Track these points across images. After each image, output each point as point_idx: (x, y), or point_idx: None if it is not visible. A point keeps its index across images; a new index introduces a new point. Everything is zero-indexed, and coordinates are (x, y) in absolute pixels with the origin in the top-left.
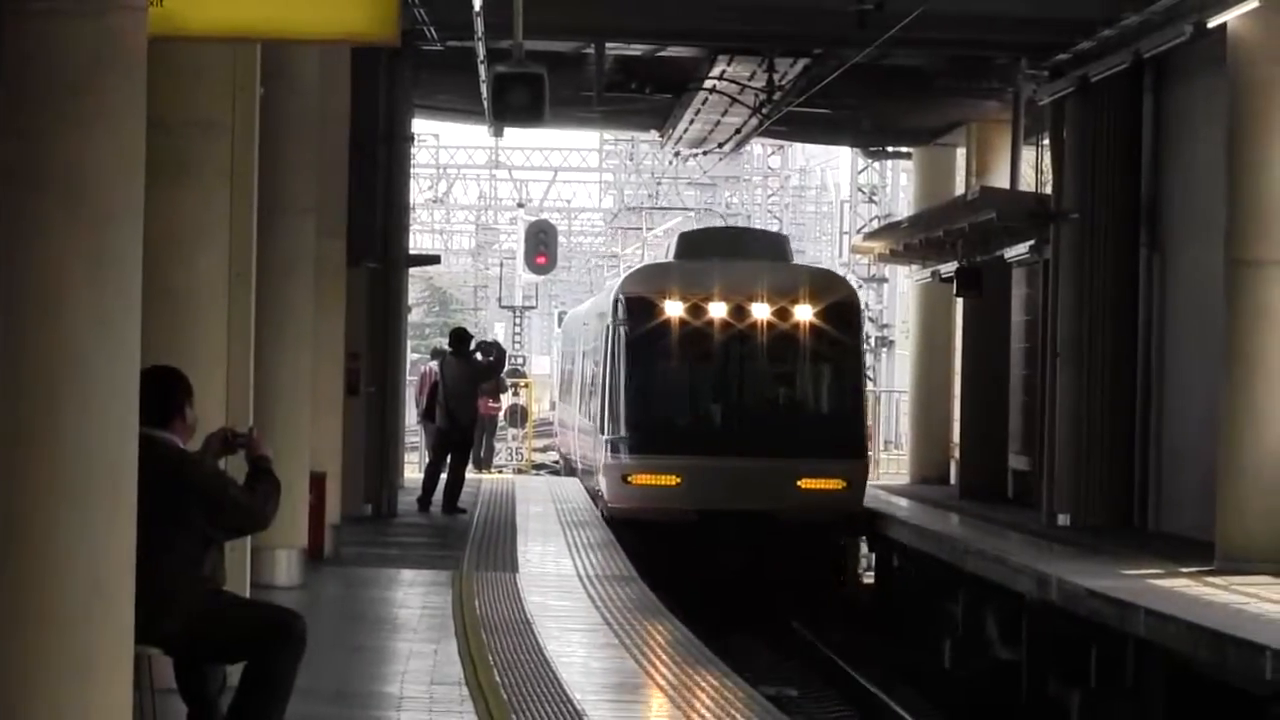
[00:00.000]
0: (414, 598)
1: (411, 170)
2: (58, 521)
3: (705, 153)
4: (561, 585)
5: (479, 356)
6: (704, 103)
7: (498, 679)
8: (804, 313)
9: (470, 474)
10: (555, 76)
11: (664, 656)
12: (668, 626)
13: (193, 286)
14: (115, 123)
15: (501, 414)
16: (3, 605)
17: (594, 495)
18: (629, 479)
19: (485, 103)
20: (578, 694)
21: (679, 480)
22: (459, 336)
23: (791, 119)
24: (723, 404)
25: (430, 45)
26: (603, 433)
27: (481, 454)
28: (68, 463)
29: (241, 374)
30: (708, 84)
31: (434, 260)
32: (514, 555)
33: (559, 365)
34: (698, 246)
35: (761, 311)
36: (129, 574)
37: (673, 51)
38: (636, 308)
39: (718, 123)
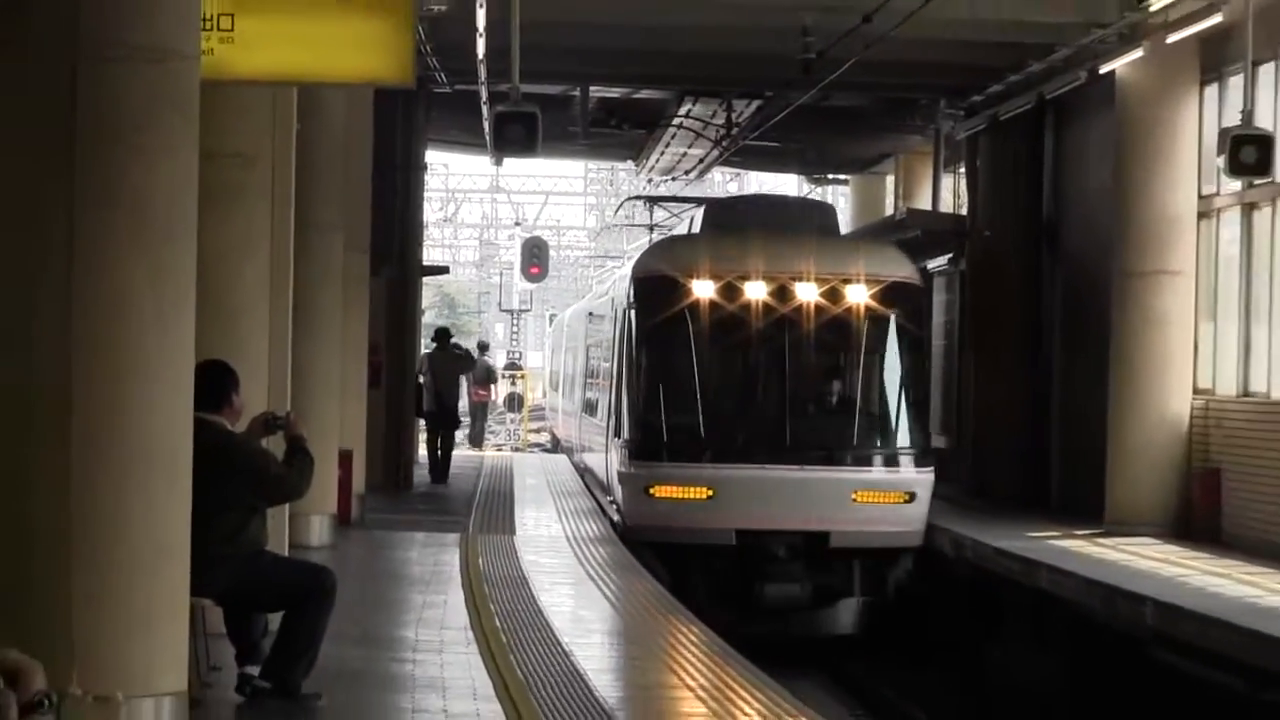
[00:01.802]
0: (427, 556)
1: (424, 194)
2: (125, 493)
3: (674, 179)
4: (552, 546)
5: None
6: (672, 137)
7: (498, 625)
8: (859, 294)
9: (473, 451)
10: (547, 115)
11: (639, 606)
12: (643, 582)
13: (239, 293)
14: (173, 154)
15: (501, 401)
16: (80, 564)
17: (605, 509)
18: (651, 492)
19: (487, 137)
20: (565, 638)
21: (712, 494)
22: (442, 333)
23: (746, 151)
24: (763, 403)
25: (441, 88)
26: (617, 436)
27: (478, 437)
28: (133, 444)
29: (280, 366)
30: (675, 121)
31: (444, 270)
32: (512, 520)
33: (550, 360)
34: (729, 218)
35: (808, 293)
36: (185, 537)
37: (645, 94)
38: (657, 289)
39: (684, 154)
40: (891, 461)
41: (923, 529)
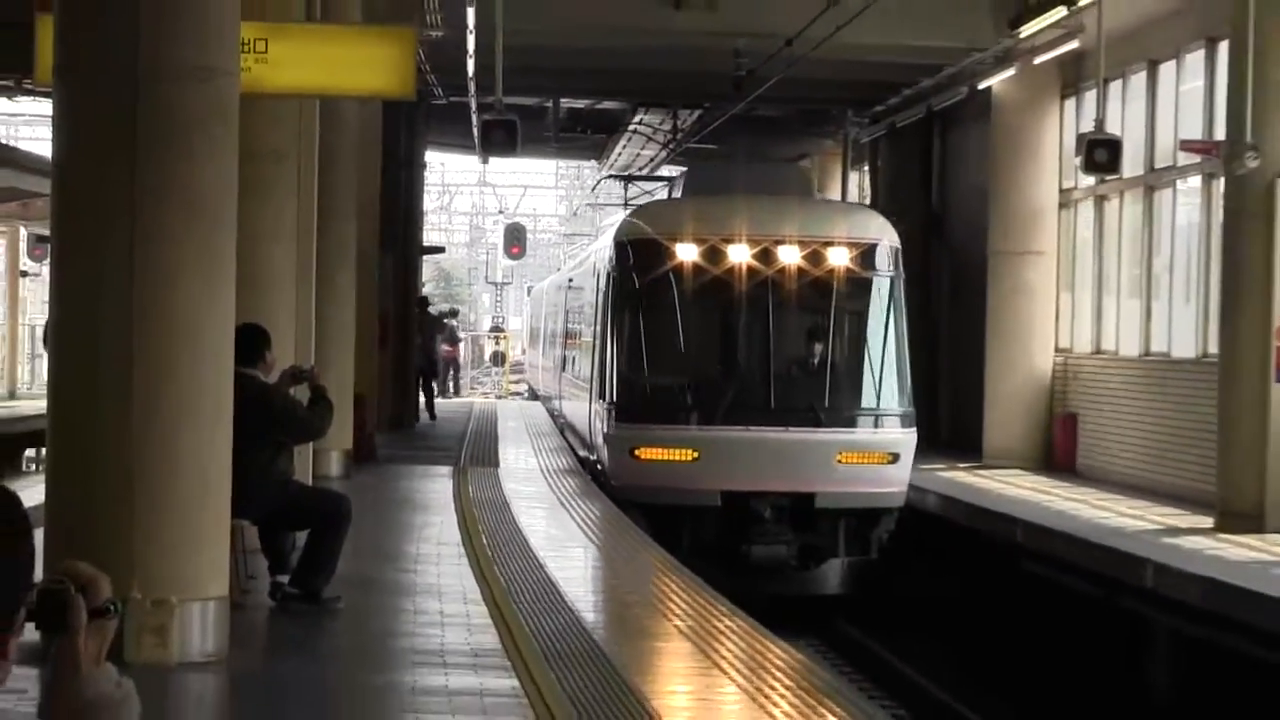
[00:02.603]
0: (426, 485)
1: (424, 187)
2: (178, 435)
3: (630, 176)
4: (529, 477)
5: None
6: (628, 141)
7: (485, 541)
8: (841, 256)
9: (460, 399)
10: (525, 122)
11: (601, 527)
12: (600, 506)
13: (271, 268)
14: (217, 155)
15: (487, 357)
16: (140, 493)
17: (593, 469)
18: (636, 454)
19: (476, 140)
20: (540, 552)
21: (697, 456)
22: (422, 301)
23: (689, 152)
24: (748, 365)
25: (438, 100)
26: (601, 397)
27: (451, 385)
28: (184, 394)
29: (305, 329)
30: (630, 127)
31: (440, 250)
32: (496, 455)
33: (529, 323)
34: (710, 182)
35: (791, 255)
36: (227, 470)
37: (606, 105)
38: (641, 252)
39: (637, 154)
40: (875, 423)
41: (905, 489)
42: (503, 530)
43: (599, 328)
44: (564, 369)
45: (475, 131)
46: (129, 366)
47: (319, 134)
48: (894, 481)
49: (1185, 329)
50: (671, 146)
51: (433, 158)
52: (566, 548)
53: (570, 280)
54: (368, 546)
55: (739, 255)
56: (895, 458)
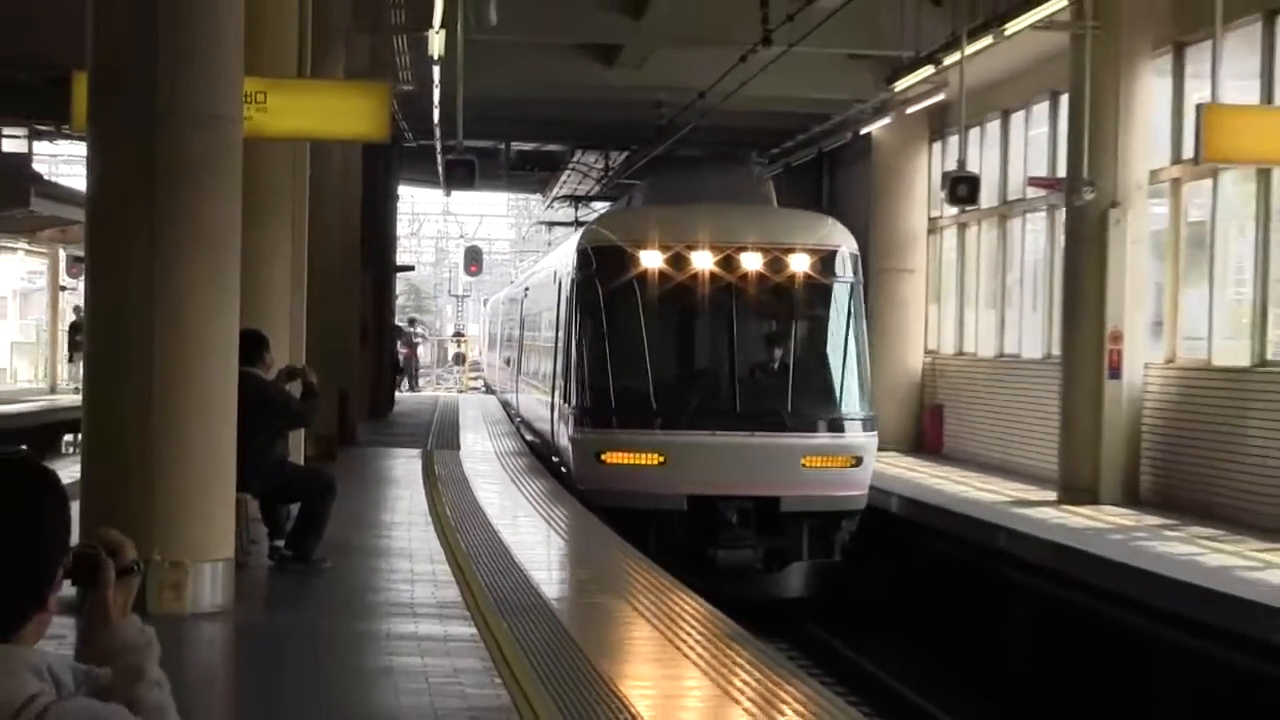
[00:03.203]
0: (400, 464)
1: (397, 215)
2: (191, 423)
3: (582, 197)
4: (485, 458)
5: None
6: (567, 177)
7: (448, 511)
8: (803, 262)
9: (425, 394)
10: (481, 160)
11: (544, 499)
12: (544, 481)
13: (269, 283)
14: (224, 189)
15: (450, 358)
16: (159, 471)
17: (555, 470)
18: (602, 458)
19: (440, 175)
20: (495, 521)
21: (663, 460)
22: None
23: (619, 187)
24: (712, 370)
25: (409, 142)
26: (566, 401)
27: (414, 381)
28: (196, 389)
29: (298, 334)
30: (570, 166)
31: (410, 269)
32: (458, 439)
33: (485, 330)
34: (671, 192)
35: (754, 262)
36: (232, 453)
37: (550, 146)
38: (605, 259)
39: (575, 189)
40: (838, 427)
41: (867, 492)
42: (463, 502)
43: (562, 333)
44: (519, 370)
45: (440, 169)
46: (150, 366)
47: (309, 171)
48: (857, 484)
49: (1033, 334)
50: (604, 182)
51: (404, 191)
52: (517, 517)
53: (525, 290)
54: (350, 516)
55: (702, 262)
56: (858, 461)
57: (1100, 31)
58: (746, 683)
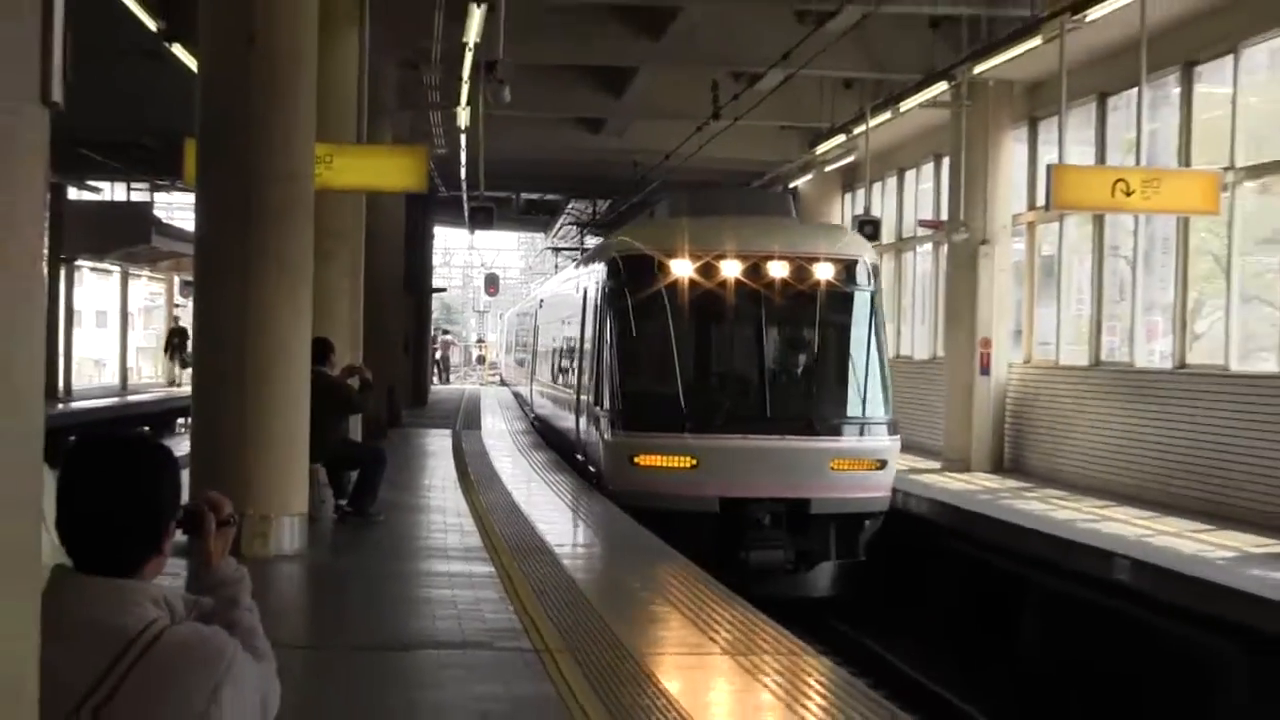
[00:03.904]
0: (434, 441)
1: (433, 248)
2: (274, 412)
3: (588, 222)
4: (500, 435)
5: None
6: (564, 220)
7: (472, 477)
8: (827, 271)
9: (453, 386)
10: (498, 207)
11: (546, 467)
12: (549, 455)
13: (336, 305)
14: (299, 230)
15: (474, 359)
16: (251, 448)
17: (583, 469)
18: (635, 461)
19: (466, 218)
20: (507, 483)
21: (695, 463)
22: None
23: (603, 225)
24: (742, 376)
25: (442, 193)
26: (598, 404)
27: (446, 376)
28: (278, 385)
29: (356, 341)
30: (566, 211)
31: (443, 290)
32: (479, 421)
33: (501, 338)
34: (695, 207)
35: (781, 271)
36: (306, 432)
37: (550, 196)
38: (636, 268)
39: (569, 227)
40: (865, 431)
41: (890, 494)
42: (483, 470)
43: (591, 339)
44: (534, 370)
45: (465, 213)
46: (242, 366)
47: (365, 216)
48: (882, 486)
49: (922, 340)
50: (591, 225)
51: (438, 230)
52: (525, 481)
53: (540, 303)
54: (397, 480)
55: (731, 270)
56: (883, 464)
57: (973, 108)
58: (715, 615)
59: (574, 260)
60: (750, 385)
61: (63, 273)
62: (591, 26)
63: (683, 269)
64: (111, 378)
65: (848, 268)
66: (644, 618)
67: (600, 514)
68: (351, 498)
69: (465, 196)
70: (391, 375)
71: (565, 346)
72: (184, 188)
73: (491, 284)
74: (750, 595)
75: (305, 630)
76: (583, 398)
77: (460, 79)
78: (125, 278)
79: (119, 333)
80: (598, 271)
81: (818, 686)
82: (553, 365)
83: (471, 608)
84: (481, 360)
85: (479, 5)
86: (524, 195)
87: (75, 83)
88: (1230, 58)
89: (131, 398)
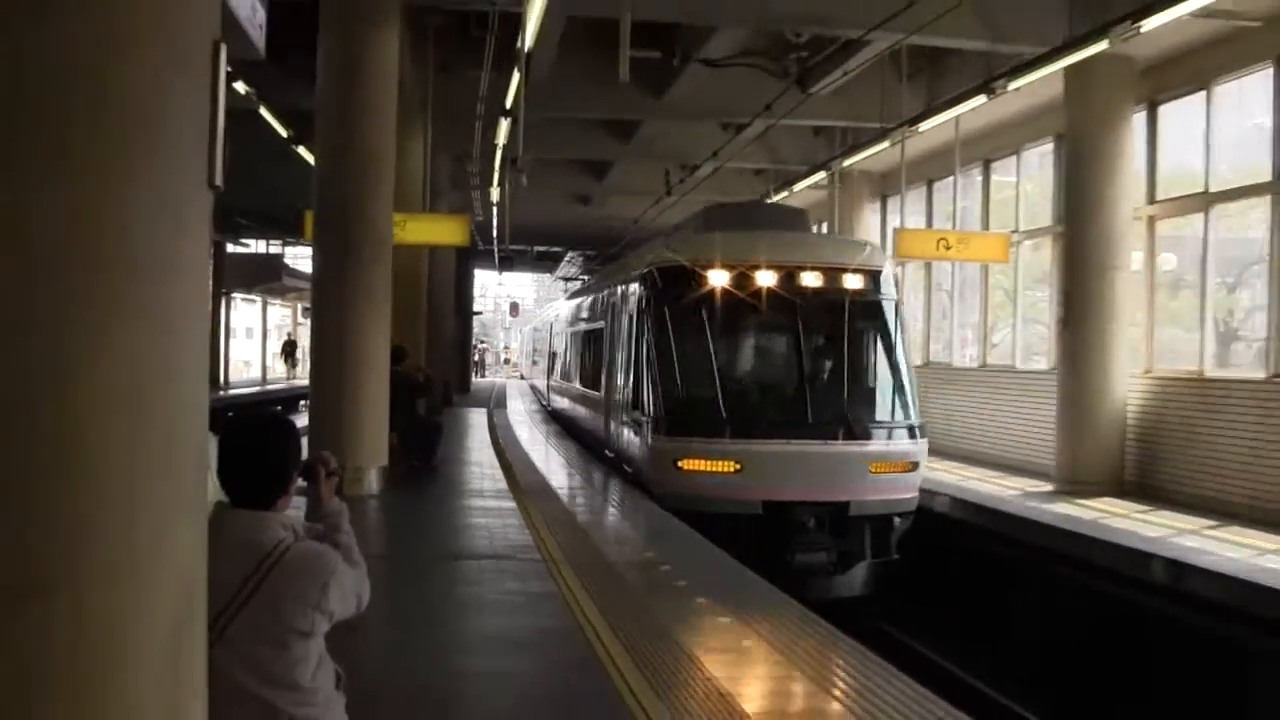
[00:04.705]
0: (475, 417)
1: (473, 284)
2: (364, 398)
3: (566, 279)
4: (518, 414)
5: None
6: (565, 264)
7: (501, 443)
8: (855, 282)
9: (489, 379)
10: (519, 255)
11: (555, 435)
12: (555, 427)
13: (409, 326)
14: (383, 274)
15: (502, 361)
16: (348, 422)
17: (618, 468)
18: (680, 465)
19: (496, 263)
20: (525, 445)
21: (739, 467)
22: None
23: (591, 272)
24: (783, 382)
25: (480, 247)
26: (638, 409)
27: (483, 371)
28: (366, 381)
29: (421, 348)
30: (565, 259)
31: (480, 313)
32: (506, 403)
33: (521, 348)
34: (724, 221)
35: (812, 281)
36: (386, 410)
37: (554, 248)
38: (676, 278)
39: (567, 272)
40: (899, 434)
41: (918, 494)
42: (509, 438)
43: (627, 347)
44: (550, 369)
45: (496, 259)
46: (343, 365)
47: (428, 263)
48: (912, 487)
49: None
50: (587, 269)
51: (477, 272)
52: (538, 445)
53: (557, 315)
54: (449, 446)
55: (766, 281)
56: (914, 465)
57: (843, 189)
58: (670, 531)
59: (583, 279)
60: (789, 391)
61: (223, 302)
62: (582, 134)
63: (720, 279)
64: (255, 373)
65: (874, 277)
66: (621, 537)
67: (591, 469)
68: (419, 455)
69: (495, 248)
70: (446, 371)
71: (588, 351)
72: (305, 243)
73: (513, 309)
74: (794, 596)
75: (386, 546)
76: (616, 399)
77: (493, 169)
78: (264, 305)
79: (260, 343)
80: (633, 282)
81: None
82: (572, 366)
83: (500, 531)
84: (507, 362)
85: (505, 119)
86: (536, 247)
87: (231, 173)
88: (1015, 157)
89: (268, 387)
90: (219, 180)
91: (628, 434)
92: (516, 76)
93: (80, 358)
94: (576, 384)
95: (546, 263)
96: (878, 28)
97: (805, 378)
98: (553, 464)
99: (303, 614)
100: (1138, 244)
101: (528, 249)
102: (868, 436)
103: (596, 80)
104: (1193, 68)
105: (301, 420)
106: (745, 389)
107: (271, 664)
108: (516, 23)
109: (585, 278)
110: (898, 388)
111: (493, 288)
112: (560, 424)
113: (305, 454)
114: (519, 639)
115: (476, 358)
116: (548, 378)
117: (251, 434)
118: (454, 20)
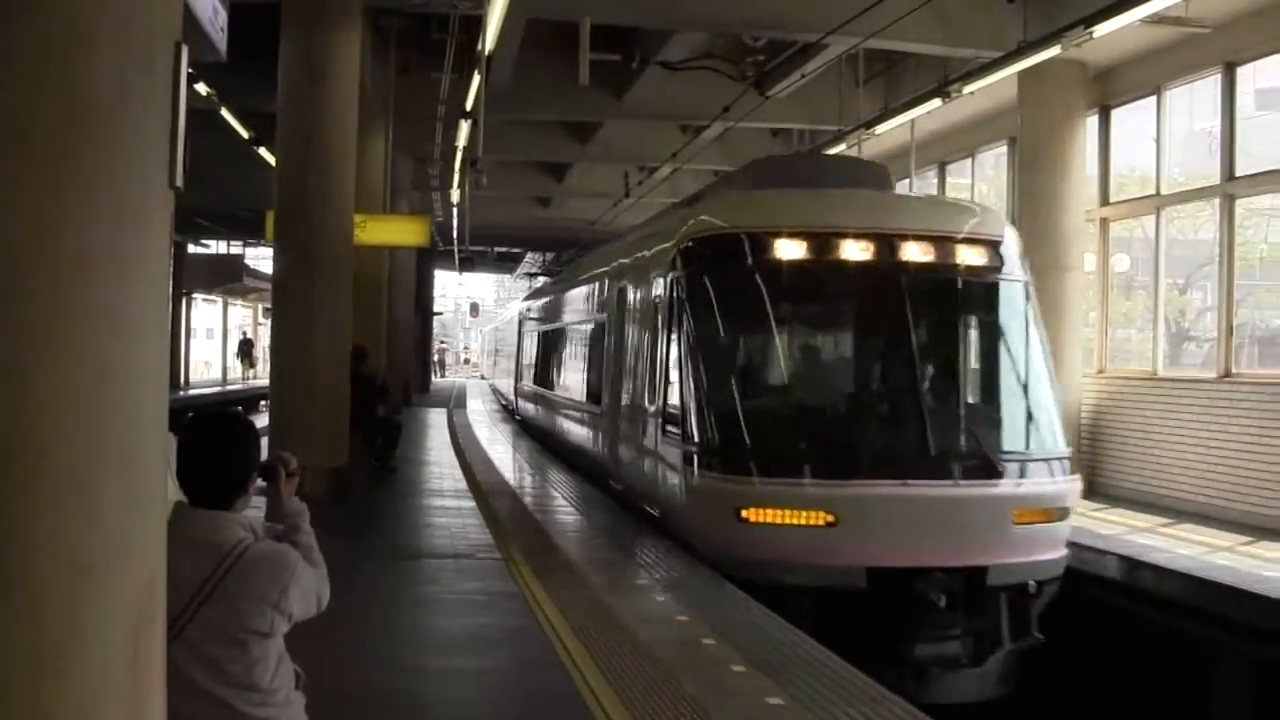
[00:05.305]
0: (434, 417)
1: (434, 284)
2: (324, 399)
3: (525, 277)
4: (478, 414)
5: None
6: (522, 265)
7: (461, 442)
8: (976, 257)
9: (449, 378)
10: (477, 256)
11: (511, 435)
12: (514, 425)
13: (369, 322)
14: (344, 274)
15: (463, 361)
16: (313, 419)
17: (626, 499)
18: (744, 516)
19: (456, 264)
20: (484, 443)
21: (834, 520)
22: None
23: (550, 272)
24: (887, 397)
25: (440, 248)
26: (673, 433)
27: (442, 371)
28: (330, 380)
29: (383, 348)
30: (525, 261)
31: (440, 314)
32: (465, 403)
33: (482, 348)
34: (782, 177)
35: (918, 256)
36: (347, 410)
37: (514, 249)
38: (727, 253)
39: (528, 272)
40: (1048, 469)
41: (1067, 551)
42: (468, 436)
43: (660, 349)
44: (519, 372)
45: (456, 260)
46: (304, 365)
47: (388, 263)
48: (1061, 542)
49: None
50: (541, 270)
51: (437, 272)
52: (497, 445)
53: (529, 308)
54: (407, 445)
55: (857, 253)
56: (1064, 512)
57: None
58: (645, 538)
59: (557, 270)
60: (901, 411)
61: (183, 302)
62: (542, 136)
63: (791, 252)
64: (215, 374)
65: (998, 251)
66: (577, 537)
67: (546, 467)
68: (378, 454)
69: (456, 249)
70: (406, 370)
71: (578, 352)
72: (265, 244)
73: (473, 310)
74: (915, 704)
75: (347, 546)
76: (630, 415)
77: (453, 170)
78: (225, 306)
79: (221, 344)
80: (656, 262)
81: None
82: (555, 369)
83: (459, 530)
84: (468, 361)
85: (466, 121)
86: (496, 248)
87: (192, 174)
88: (970, 160)
89: (229, 388)
90: (180, 181)
91: (650, 465)
92: (477, 79)
93: (39, 358)
94: (560, 392)
95: (507, 263)
96: (835, 32)
97: (924, 391)
98: (512, 463)
99: (262, 614)
100: (1091, 245)
101: (488, 250)
102: (1009, 474)
103: (556, 82)
104: (1144, 73)
105: (262, 420)
106: (835, 408)
107: (230, 664)
108: (477, 25)
109: (559, 269)
110: (1040, 403)
111: (453, 288)
112: (534, 437)
113: (265, 454)
114: (479, 637)
115: (437, 358)
116: (516, 381)
117: (210, 433)
118: (415, 23)
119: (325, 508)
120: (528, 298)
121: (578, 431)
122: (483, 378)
